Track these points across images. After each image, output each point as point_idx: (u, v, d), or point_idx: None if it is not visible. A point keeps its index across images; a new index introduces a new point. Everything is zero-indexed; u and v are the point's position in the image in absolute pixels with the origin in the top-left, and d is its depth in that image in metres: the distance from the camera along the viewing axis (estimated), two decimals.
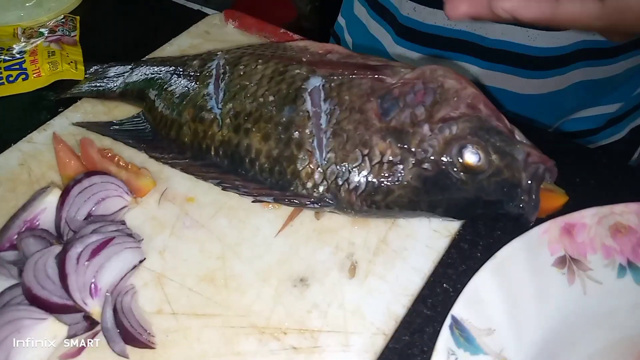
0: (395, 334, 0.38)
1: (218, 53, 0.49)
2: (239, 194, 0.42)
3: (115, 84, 0.52)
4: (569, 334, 0.37)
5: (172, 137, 0.46)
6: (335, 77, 0.42)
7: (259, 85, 0.43)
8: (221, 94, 0.44)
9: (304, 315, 0.38)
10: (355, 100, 0.41)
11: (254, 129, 0.42)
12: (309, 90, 0.42)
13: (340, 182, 0.40)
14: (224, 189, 0.43)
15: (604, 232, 0.40)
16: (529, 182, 0.37)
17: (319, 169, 0.40)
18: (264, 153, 0.42)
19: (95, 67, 0.56)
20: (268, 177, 0.42)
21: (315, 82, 0.42)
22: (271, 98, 0.42)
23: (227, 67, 0.46)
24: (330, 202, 0.40)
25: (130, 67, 0.53)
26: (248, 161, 0.42)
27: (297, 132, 0.41)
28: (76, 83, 0.55)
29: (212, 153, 0.44)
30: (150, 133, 0.48)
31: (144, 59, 0.56)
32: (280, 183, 0.41)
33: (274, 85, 0.43)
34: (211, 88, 0.45)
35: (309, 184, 0.40)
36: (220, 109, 0.44)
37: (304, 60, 0.44)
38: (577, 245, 0.39)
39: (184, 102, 0.46)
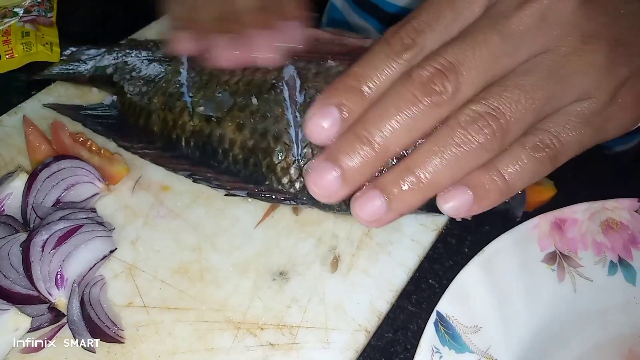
0: (377, 331, 0.36)
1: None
2: (211, 186, 0.40)
3: (85, 68, 0.50)
4: (558, 332, 0.36)
5: (141, 125, 0.43)
6: (311, 67, 0.40)
7: (232, 74, 0.41)
8: (192, 82, 0.42)
9: (283, 310, 0.36)
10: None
11: (227, 118, 0.40)
12: (285, 79, 0.40)
13: None
14: (195, 181, 0.40)
15: (596, 228, 0.39)
16: None
17: (295, 164, 0.38)
18: (238, 143, 0.39)
19: (72, 49, 0.53)
20: (242, 169, 0.40)
21: (291, 70, 0.40)
22: (245, 87, 0.40)
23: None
24: (307, 201, 0.38)
25: (103, 50, 0.51)
26: (221, 152, 0.40)
27: (273, 123, 0.38)
28: (50, 65, 0.52)
29: (183, 144, 0.41)
30: (120, 120, 0.45)
31: (120, 42, 0.54)
32: (255, 176, 0.39)
33: (248, 74, 0.40)
34: (183, 75, 0.43)
35: (285, 180, 0.38)
36: (191, 97, 0.41)
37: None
38: (568, 241, 0.38)
39: (154, 89, 0.43)
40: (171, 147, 0.42)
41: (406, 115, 0.28)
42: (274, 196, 0.39)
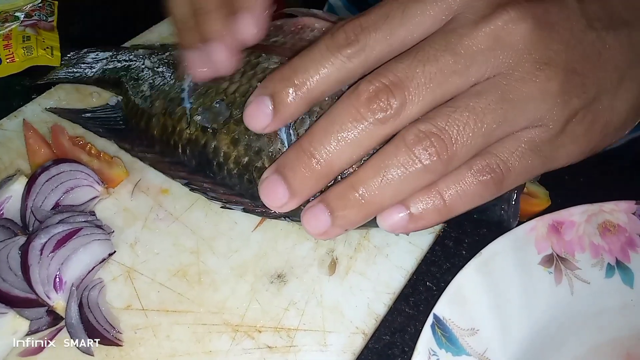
0: (375, 334, 0.37)
1: None
2: (207, 198, 0.39)
3: (92, 70, 0.50)
4: (555, 335, 0.35)
5: (142, 128, 0.43)
6: None
7: (231, 81, 0.39)
8: (194, 88, 0.41)
9: (280, 312, 0.37)
10: (326, 107, 0.35)
11: (223, 131, 0.38)
12: None
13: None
14: (192, 190, 0.40)
15: (593, 231, 0.39)
16: (509, 192, 0.34)
17: None
18: (232, 158, 0.38)
19: (74, 53, 0.53)
20: (237, 183, 0.39)
21: None
22: (241, 98, 0.38)
23: None
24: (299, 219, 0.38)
25: (110, 53, 0.51)
26: (216, 164, 0.39)
27: (267, 143, 0.36)
28: (51, 69, 0.53)
29: (180, 150, 0.41)
30: (122, 122, 0.46)
31: (124, 44, 0.54)
32: (251, 192, 0.38)
33: (245, 82, 0.39)
34: (187, 80, 0.42)
35: None
36: (191, 103, 0.41)
37: (276, 48, 0.40)
38: (565, 244, 0.38)
39: (157, 93, 0.43)
40: (170, 152, 0.42)
41: (350, 132, 0.28)
42: (269, 212, 0.38)
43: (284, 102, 0.30)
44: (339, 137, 0.28)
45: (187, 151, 0.40)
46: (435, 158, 0.27)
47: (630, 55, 0.31)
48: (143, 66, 0.47)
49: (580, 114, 0.30)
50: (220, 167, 0.39)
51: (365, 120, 0.28)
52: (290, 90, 0.29)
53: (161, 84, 0.44)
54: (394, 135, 0.28)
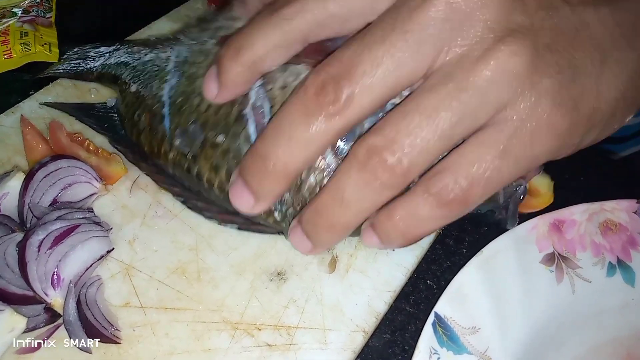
0: (375, 332, 0.36)
1: (182, 38, 0.41)
2: (204, 217, 0.38)
3: (94, 65, 0.48)
4: (556, 334, 0.35)
5: (134, 141, 0.41)
6: (277, 76, 0.33)
7: (202, 95, 0.35)
8: (172, 100, 0.38)
9: (280, 310, 0.36)
10: None
11: (202, 156, 0.36)
12: (251, 101, 0.33)
13: None
14: (189, 208, 0.39)
15: (594, 230, 0.39)
16: (507, 201, 0.34)
17: (277, 211, 0.35)
18: (216, 184, 0.36)
19: (77, 48, 0.52)
20: (228, 206, 0.35)
21: (259, 93, 0.33)
22: (214, 116, 0.35)
23: (182, 62, 0.39)
24: None
25: (113, 47, 0.48)
26: (203, 189, 0.37)
27: None
28: (49, 65, 0.52)
29: (170, 170, 0.39)
30: (119, 123, 0.44)
31: (127, 38, 0.53)
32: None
33: None
34: (166, 90, 0.38)
35: (270, 220, 0.36)
36: (170, 121, 0.37)
37: None
38: (566, 242, 0.38)
39: (145, 101, 0.40)
40: (161, 170, 0.40)
41: (300, 129, 0.26)
42: (264, 230, 0.38)
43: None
44: (290, 137, 0.27)
45: (175, 173, 0.39)
46: (388, 174, 0.25)
47: (615, 35, 0.27)
48: (140, 64, 0.44)
49: (555, 98, 0.25)
50: (207, 191, 0.37)
51: (314, 116, 0.26)
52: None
53: (149, 88, 0.40)
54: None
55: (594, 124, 0.27)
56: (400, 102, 0.26)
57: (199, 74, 0.37)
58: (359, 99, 0.25)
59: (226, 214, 0.38)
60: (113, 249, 0.38)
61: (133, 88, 0.42)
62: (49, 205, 0.39)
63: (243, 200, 0.30)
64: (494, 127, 0.25)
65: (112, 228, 0.39)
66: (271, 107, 0.33)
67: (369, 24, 0.27)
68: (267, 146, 0.28)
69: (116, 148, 0.43)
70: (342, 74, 0.25)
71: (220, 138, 0.35)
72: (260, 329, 0.35)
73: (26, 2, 0.60)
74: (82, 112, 0.46)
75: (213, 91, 0.30)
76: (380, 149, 0.25)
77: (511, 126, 0.25)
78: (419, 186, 0.26)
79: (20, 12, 0.59)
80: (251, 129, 0.34)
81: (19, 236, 0.36)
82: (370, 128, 0.27)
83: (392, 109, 0.26)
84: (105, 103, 0.46)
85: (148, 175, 0.41)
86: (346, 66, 0.25)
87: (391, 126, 0.25)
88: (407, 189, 0.28)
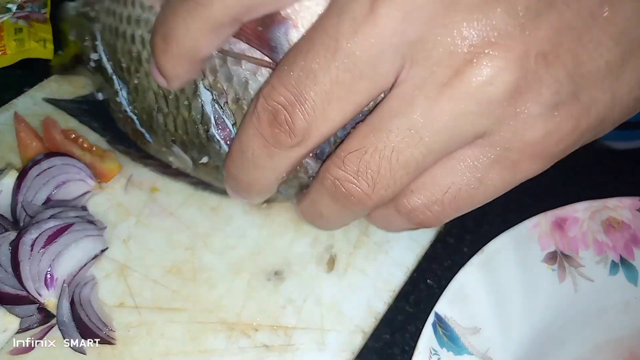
0: (374, 332, 0.36)
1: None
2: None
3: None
4: (558, 333, 0.35)
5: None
6: (220, 77, 0.29)
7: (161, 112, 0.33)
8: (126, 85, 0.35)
9: (278, 310, 0.36)
10: None
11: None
12: (201, 98, 0.30)
13: None
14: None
15: (597, 228, 0.38)
16: None
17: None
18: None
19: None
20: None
21: (205, 95, 0.30)
22: (175, 104, 0.32)
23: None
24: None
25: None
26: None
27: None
28: (45, 62, 0.51)
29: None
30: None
31: None
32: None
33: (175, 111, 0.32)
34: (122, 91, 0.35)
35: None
36: (130, 107, 0.35)
37: None
38: (569, 240, 0.37)
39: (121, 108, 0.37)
40: (167, 165, 0.39)
41: (264, 159, 0.25)
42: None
43: None
44: (256, 165, 0.25)
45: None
46: (357, 203, 0.23)
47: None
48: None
49: (547, 124, 0.21)
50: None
51: (274, 146, 0.24)
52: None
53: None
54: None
55: (600, 132, 0.23)
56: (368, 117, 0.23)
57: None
58: (316, 129, 0.23)
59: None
60: (107, 248, 0.38)
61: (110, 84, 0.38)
62: (43, 204, 0.38)
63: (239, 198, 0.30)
64: (472, 150, 0.22)
65: (106, 227, 0.39)
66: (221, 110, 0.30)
67: None
68: (234, 172, 0.27)
69: (117, 149, 0.42)
70: (292, 103, 0.22)
71: (173, 150, 0.35)
72: (257, 330, 0.35)
73: None
74: (79, 110, 0.45)
75: (163, 83, 0.29)
76: (346, 181, 0.23)
77: (490, 154, 0.21)
78: (391, 202, 0.24)
79: (15, 8, 0.58)
80: (213, 131, 0.31)
81: (12, 235, 0.36)
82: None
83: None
84: (93, 94, 0.43)
85: (156, 172, 0.39)
86: (294, 94, 0.22)
87: (353, 160, 0.23)
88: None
